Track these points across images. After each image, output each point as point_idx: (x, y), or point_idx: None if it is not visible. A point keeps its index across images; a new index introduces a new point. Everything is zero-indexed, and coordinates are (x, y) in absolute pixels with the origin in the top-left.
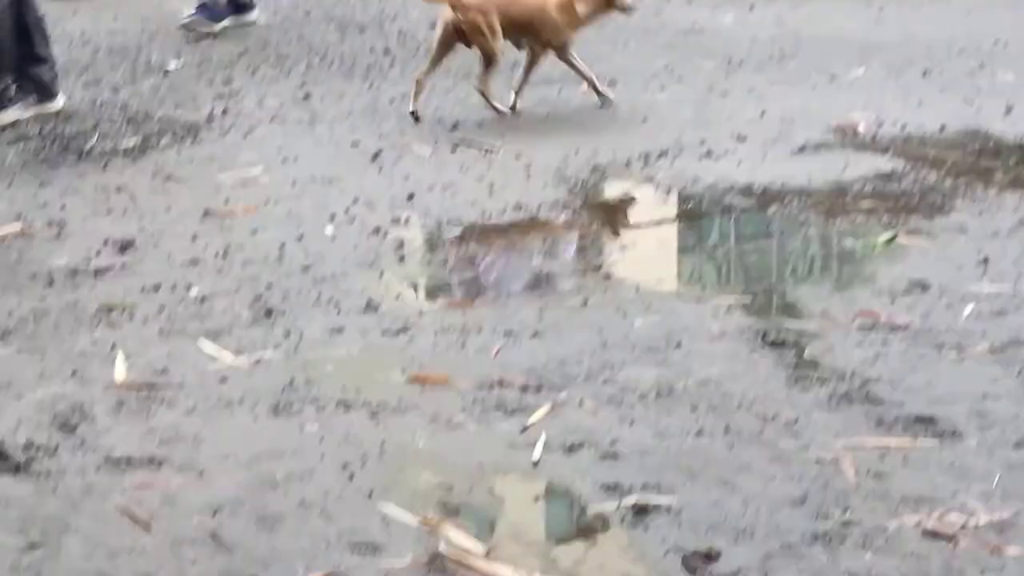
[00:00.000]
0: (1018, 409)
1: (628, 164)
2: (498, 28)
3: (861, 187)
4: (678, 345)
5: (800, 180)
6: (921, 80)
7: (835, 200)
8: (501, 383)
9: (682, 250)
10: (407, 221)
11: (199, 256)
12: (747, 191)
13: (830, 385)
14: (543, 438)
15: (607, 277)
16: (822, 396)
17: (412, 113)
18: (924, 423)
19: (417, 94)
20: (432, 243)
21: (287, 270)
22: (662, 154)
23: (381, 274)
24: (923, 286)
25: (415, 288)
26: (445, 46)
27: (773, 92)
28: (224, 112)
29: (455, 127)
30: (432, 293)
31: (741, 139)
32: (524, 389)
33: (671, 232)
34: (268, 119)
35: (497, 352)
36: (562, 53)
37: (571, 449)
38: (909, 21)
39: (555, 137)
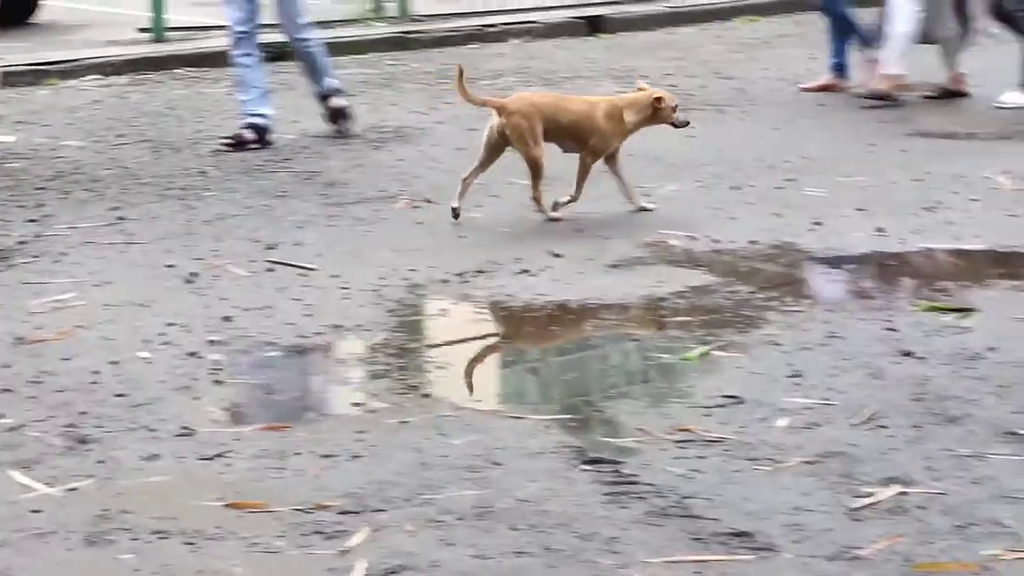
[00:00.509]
0: (832, 522)
1: (446, 282)
2: (540, 135)
3: (675, 302)
4: (497, 464)
5: (615, 296)
6: (731, 195)
7: (649, 315)
8: (319, 507)
9: (500, 368)
10: (223, 344)
11: (10, 384)
12: (563, 307)
13: (648, 501)
14: (363, 562)
15: (425, 396)
16: (640, 513)
17: (453, 209)
18: (740, 537)
19: (462, 193)
20: (249, 366)
21: (101, 397)
22: (478, 272)
23: (197, 399)
24: (737, 400)
25: (232, 412)
26: (492, 149)
27: (588, 208)
28: (36, 237)
29: (272, 247)
30: (249, 417)
31: (557, 256)
32: (343, 512)
33: (489, 350)
34: (81, 243)
35: (315, 475)
36: (608, 159)
37: (391, 572)
38: (718, 137)
39: (373, 256)
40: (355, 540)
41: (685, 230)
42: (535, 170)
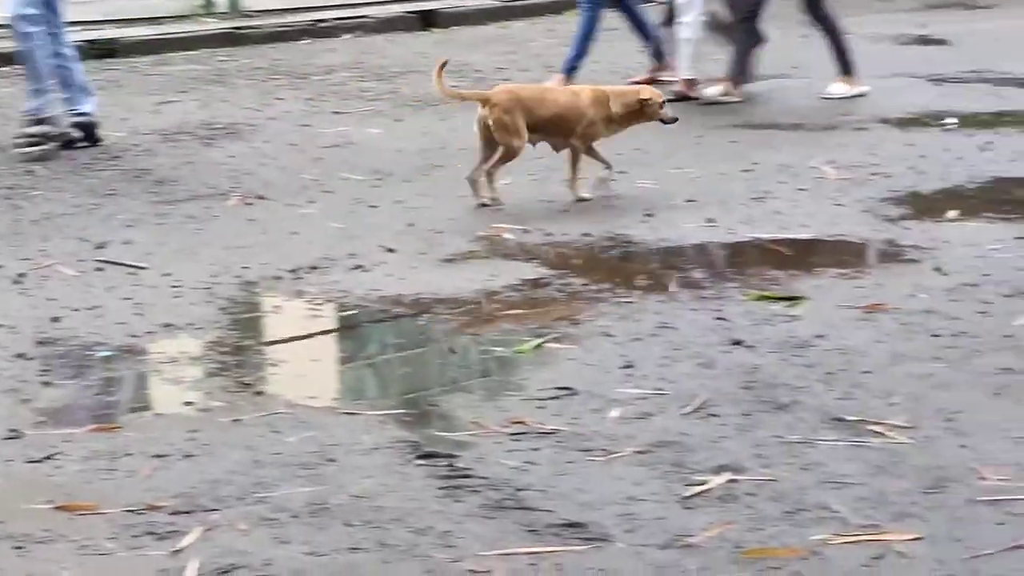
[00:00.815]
0: (664, 510)
1: (279, 279)
2: (522, 127)
3: (508, 295)
4: (331, 461)
5: (449, 290)
6: (564, 188)
7: (484, 308)
8: (151, 507)
9: (334, 364)
10: (53, 344)
11: None
12: (397, 302)
13: (482, 494)
14: (195, 562)
15: (258, 394)
16: (474, 506)
17: (482, 204)
18: (574, 528)
19: (477, 189)
20: (78, 367)
21: None
22: (312, 268)
23: (25, 400)
24: (570, 391)
25: (61, 413)
26: (487, 143)
27: (421, 203)
28: None
29: (101, 246)
30: (78, 418)
31: (390, 251)
32: (175, 513)
33: (323, 346)
34: None
35: (147, 476)
36: (586, 145)
37: (225, 572)
38: None
39: (204, 254)
40: (187, 540)
41: (518, 223)
42: (507, 156)
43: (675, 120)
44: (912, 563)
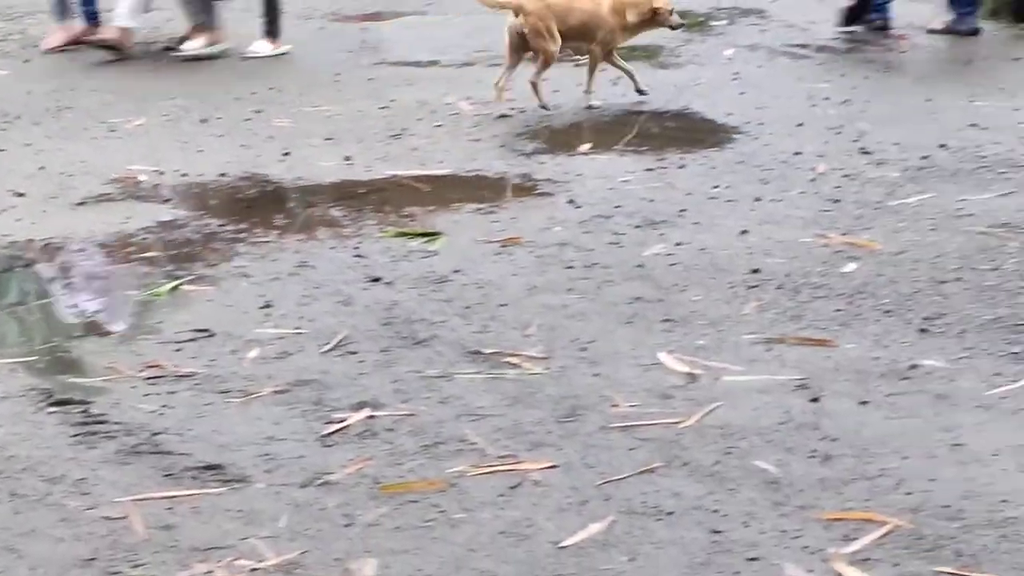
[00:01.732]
0: (303, 449)
1: None
2: (556, 32)
3: (143, 237)
4: None
5: (82, 233)
6: (199, 128)
7: (118, 252)
8: None
9: None
10: None
11: None
12: (27, 248)
13: (117, 440)
14: None
15: None
16: (110, 452)
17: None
18: (212, 471)
19: (499, 98)
20: None
21: None
22: None
23: None
24: (207, 333)
25: None
26: (515, 50)
27: (51, 146)
28: None
29: None
30: None
31: (20, 195)
32: None
33: None
34: None
35: None
36: (608, 54)
37: None
38: (186, 71)
39: None
40: None
41: (153, 164)
42: (545, 63)
43: (682, 25)
44: (547, 491)
